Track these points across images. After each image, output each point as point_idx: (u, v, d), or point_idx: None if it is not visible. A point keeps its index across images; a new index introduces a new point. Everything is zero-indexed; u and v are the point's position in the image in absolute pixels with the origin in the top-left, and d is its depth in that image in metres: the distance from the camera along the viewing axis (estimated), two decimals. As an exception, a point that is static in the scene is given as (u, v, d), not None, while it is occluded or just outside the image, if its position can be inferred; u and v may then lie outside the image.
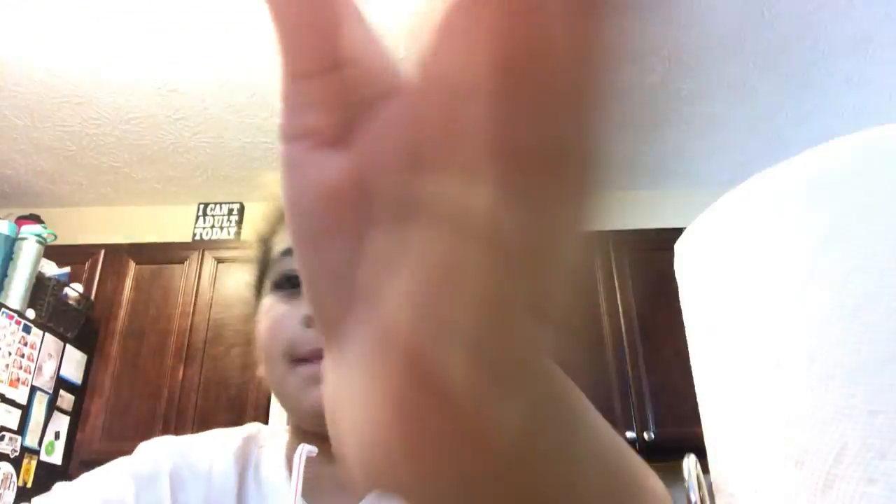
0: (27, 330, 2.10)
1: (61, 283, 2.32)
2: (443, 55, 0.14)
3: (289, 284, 0.56)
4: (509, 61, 0.14)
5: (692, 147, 2.82)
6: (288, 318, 0.54)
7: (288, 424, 0.60)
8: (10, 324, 2.02)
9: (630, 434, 2.25)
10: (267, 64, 2.31)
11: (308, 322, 0.52)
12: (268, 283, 0.58)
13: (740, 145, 2.82)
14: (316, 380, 0.51)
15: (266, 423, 2.24)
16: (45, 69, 2.30)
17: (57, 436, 2.23)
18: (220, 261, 2.61)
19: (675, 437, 2.24)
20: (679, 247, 0.52)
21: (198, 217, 2.95)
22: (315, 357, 0.52)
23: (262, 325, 0.57)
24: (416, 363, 0.15)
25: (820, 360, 0.36)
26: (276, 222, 0.61)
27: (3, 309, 2.00)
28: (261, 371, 0.59)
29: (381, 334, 0.15)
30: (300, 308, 0.53)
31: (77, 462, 2.26)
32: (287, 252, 0.56)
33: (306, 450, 0.48)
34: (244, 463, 0.57)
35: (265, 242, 0.61)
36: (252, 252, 0.62)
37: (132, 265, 2.61)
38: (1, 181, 2.94)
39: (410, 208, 0.15)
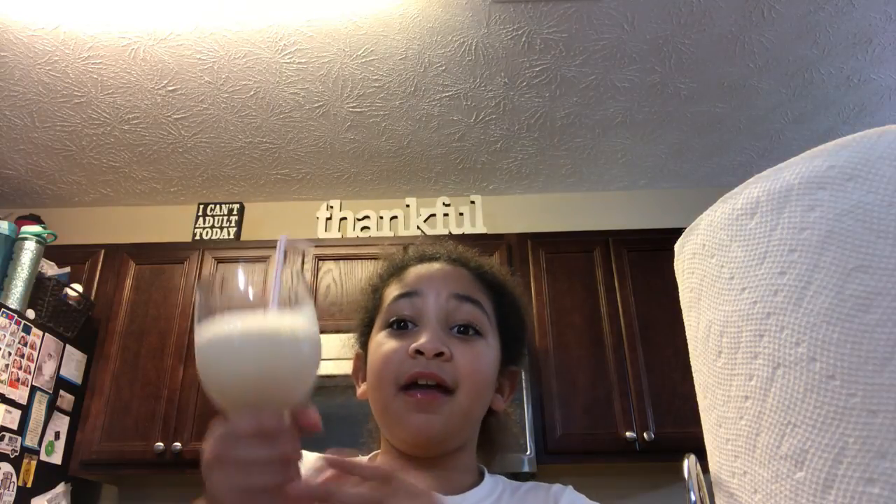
0: (27, 330, 2.10)
1: (61, 283, 2.32)
2: None
3: (398, 325, 0.69)
4: None
5: (692, 147, 2.82)
6: (399, 351, 0.66)
7: (382, 446, 0.71)
8: (10, 324, 2.02)
9: (630, 434, 2.25)
10: (267, 64, 2.31)
11: (414, 354, 0.64)
12: (379, 323, 0.71)
13: (740, 145, 2.82)
14: (418, 407, 0.63)
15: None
16: (46, 69, 2.30)
17: (57, 436, 2.22)
18: (220, 261, 2.61)
19: (675, 437, 2.24)
20: (679, 247, 0.52)
21: (198, 217, 2.95)
22: (415, 380, 0.63)
23: (375, 355, 0.68)
24: None
25: (820, 360, 0.36)
26: (389, 275, 0.76)
27: (3, 309, 2.00)
28: (361, 392, 0.72)
29: None
30: (408, 343, 0.65)
31: (77, 462, 2.26)
32: (400, 296, 0.70)
33: (286, 239, 0.54)
34: None
35: (377, 291, 0.76)
36: (363, 299, 0.78)
37: (132, 265, 2.61)
38: (1, 181, 2.94)
39: None
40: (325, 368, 2.55)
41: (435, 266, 0.74)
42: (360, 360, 0.75)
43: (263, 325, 0.47)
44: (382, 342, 0.68)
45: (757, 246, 0.41)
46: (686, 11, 2.13)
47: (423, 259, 0.76)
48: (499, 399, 0.74)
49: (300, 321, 0.48)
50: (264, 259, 2.60)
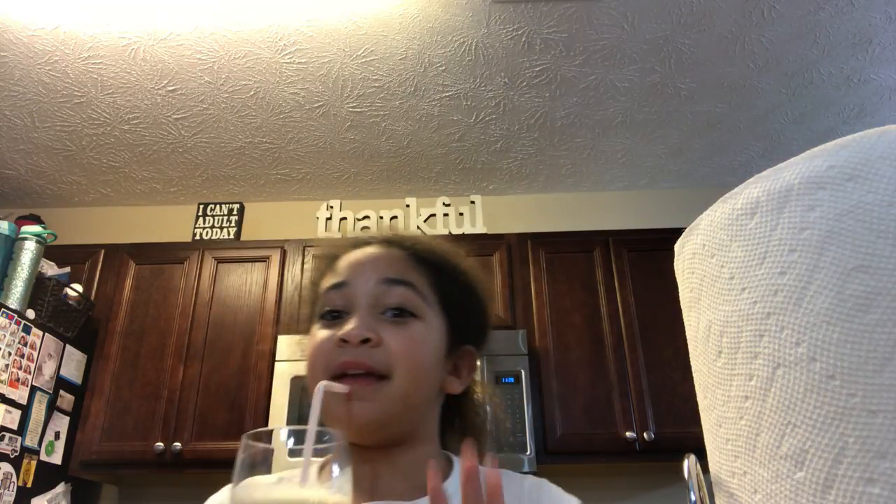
0: (27, 330, 2.10)
1: (61, 283, 2.32)
2: None
3: (330, 315, 0.67)
4: None
5: (692, 147, 2.82)
6: (327, 341, 0.64)
7: None
8: (10, 324, 2.02)
9: (630, 434, 2.25)
10: (267, 64, 2.31)
11: (340, 343, 0.63)
12: (315, 315, 0.69)
13: (740, 145, 2.82)
14: (350, 396, 0.60)
15: (266, 422, 2.24)
16: (46, 69, 2.30)
17: (57, 436, 2.23)
18: (219, 261, 2.61)
19: (675, 437, 2.24)
20: (679, 247, 0.52)
21: (198, 217, 2.94)
22: (343, 369, 0.62)
23: (309, 346, 0.67)
24: None
25: (820, 360, 0.36)
26: (324, 268, 0.74)
27: (3, 309, 2.00)
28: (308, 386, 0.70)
29: None
30: (336, 332, 0.64)
31: (77, 462, 2.26)
32: (329, 289, 0.69)
33: (325, 384, 0.55)
34: None
35: (315, 285, 0.74)
36: (307, 293, 0.76)
37: (132, 265, 2.61)
38: (1, 181, 2.94)
39: None
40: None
41: (366, 251, 0.72)
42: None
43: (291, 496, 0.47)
44: (315, 333, 0.67)
45: (757, 246, 0.41)
46: (686, 11, 2.13)
47: (356, 245, 0.74)
48: (454, 382, 0.71)
49: (330, 498, 0.47)
50: (264, 259, 2.60)
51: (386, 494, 0.64)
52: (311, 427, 0.49)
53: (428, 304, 0.68)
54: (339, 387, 0.58)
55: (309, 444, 0.48)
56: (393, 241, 0.74)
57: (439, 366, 0.69)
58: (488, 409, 0.78)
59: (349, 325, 0.64)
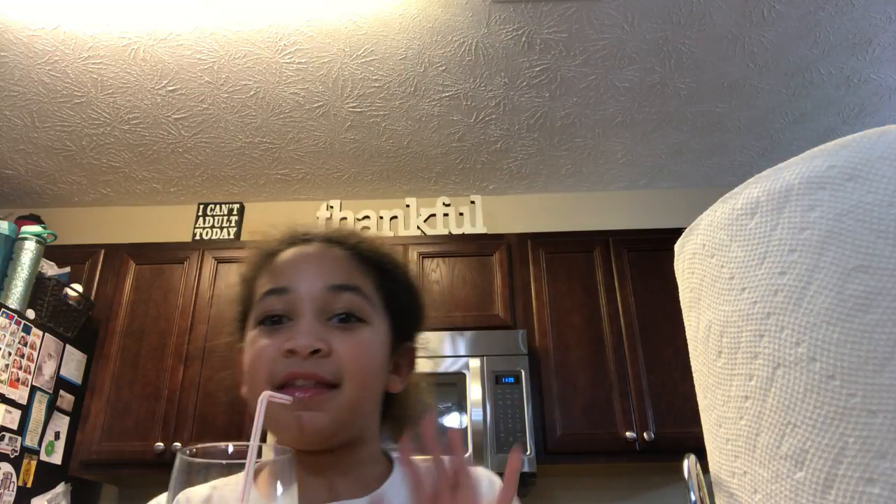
0: (27, 330, 2.10)
1: (61, 283, 2.32)
2: None
3: (270, 321, 0.63)
4: None
5: (692, 147, 2.82)
6: (270, 349, 0.61)
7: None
8: (10, 324, 2.02)
9: (630, 434, 2.25)
10: (267, 64, 2.31)
11: (286, 353, 0.60)
12: (251, 319, 0.66)
13: (740, 145, 2.82)
14: (299, 406, 0.58)
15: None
16: (46, 69, 2.30)
17: (57, 436, 2.23)
18: (219, 261, 2.61)
19: (675, 437, 2.24)
20: (679, 247, 0.52)
21: (198, 217, 2.95)
22: (290, 380, 0.60)
23: (248, 354, 0.64)
24: None
25: (820, 360, 0.36)
26: (259, 265, 0.69)
27: (3, 309, 2.00)
28: (244, 392, 0.67)
29: None
30: (280, 341, 0.61)
31: (77, 462, 2.26)
32: (269, 293, 0.64)
33: (268, 394, 0.52)
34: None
35: (249, 283, 0.69)
36: (237, 291, 0.71)
37: (132, 265, 2.61)
38: (1, 181, 2.94)
39: None
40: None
41: (307, 250, 0.68)
42: (241, 354, 0.68)
43: None
44: (255, 340, 0.63)
45: (757, 246, 0.41)
46: (686, 11, 2.13)
47: (294, 242, 0.69)
48: (395, 380, 0.70)
49: None
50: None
51: (345, 497, 0.64)
52: (254, 441, 0.46)
53: (373, 308, 0.66)
54: (282, 398, 0.55)
55: (251, 459, 0.44)
56: (334, 240, 0.70)
57: (385, 367, 0.68)
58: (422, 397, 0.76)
59: (298, 336, 0.60)
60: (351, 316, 0.64)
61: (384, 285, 0.69)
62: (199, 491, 0.67)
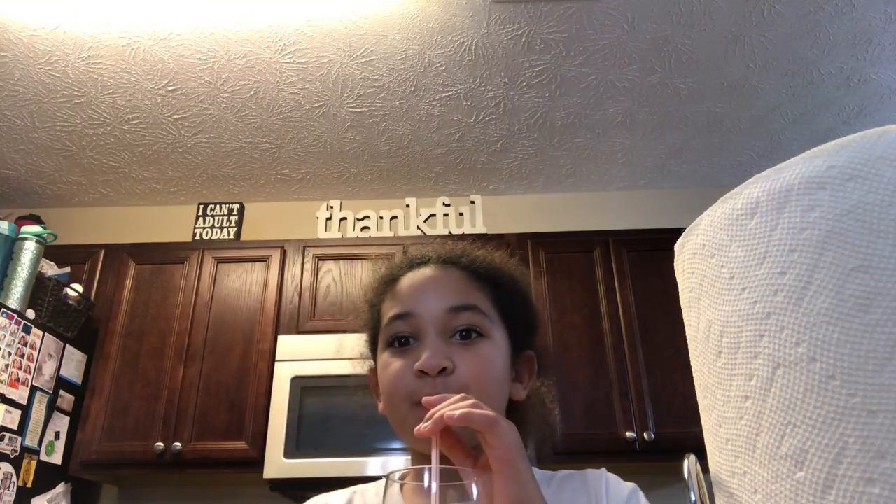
0: (27, 330, 2.10)
1: (61, 283, 2.32)
2: None
3: (398, 342, 0.70)
4: None
5: (692, 147, 2.82)
6: (406, 371, 0.68)
7: (412, 458, 0.75)
8: (10, 324, 2.02)
9: (630, 434, 2.25)
10: (267, 64, 2.31)
11: (418, 374, 0.66)
12: (381, 342, 0.72)
13: (740, 145, 2.82)
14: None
15: (266, 422, 2.24)
16: (46, 69, 2.30)
17: (57, 436, 2.23)
18: (219, 261, 2.61)
19: (675, 437, 2.24)
20: (679, 247, 0.52)
21: (198, 217, 2.94)
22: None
23: (384, 376, 0.70)
24: None
25: (820, 360, 0.36)
26: (382, 291, 0.76)
27: (3, 309, 2.00)
28: (381, 409, 0.74)
29: None
30: (411, 361, 0.67)
31: (77, 462, 2.26)
32: (395, 318, 0.71)
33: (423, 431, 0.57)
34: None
35: (375, 308, 0.76)
36: (364, 316, 0.79)
37: (132, 265, 2.61)
38: (1, 181, 2.94)
39: None
40: (321, 368, 2.50)
41: (426, 273, 0.73)
42: (374, 374, 0.76)
43: None
44: (388, 362, 0.70)
45: (757, 246, 0.41)
46: (686, 11, 2.13)
47: (412, 266, 0.75)
48: (518, 388, 0.74)
49: None
50: (264, 259, 2.60)
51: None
52: (434, 467, 0.51)
53: (491, 322, 0.71)
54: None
55: (434, 482, 0.50)
56: (449, 261, 0.75)
57: (507, 377, 0.72)
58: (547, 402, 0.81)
59: (425, 357, 0.66)
60: (471, 331, 0.69)
61: (500, 299, 0.74)
62: (338, 497, 0.72)
